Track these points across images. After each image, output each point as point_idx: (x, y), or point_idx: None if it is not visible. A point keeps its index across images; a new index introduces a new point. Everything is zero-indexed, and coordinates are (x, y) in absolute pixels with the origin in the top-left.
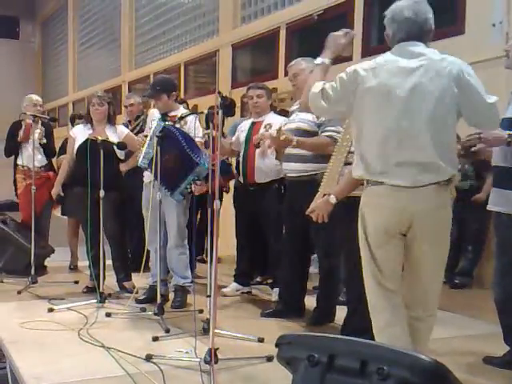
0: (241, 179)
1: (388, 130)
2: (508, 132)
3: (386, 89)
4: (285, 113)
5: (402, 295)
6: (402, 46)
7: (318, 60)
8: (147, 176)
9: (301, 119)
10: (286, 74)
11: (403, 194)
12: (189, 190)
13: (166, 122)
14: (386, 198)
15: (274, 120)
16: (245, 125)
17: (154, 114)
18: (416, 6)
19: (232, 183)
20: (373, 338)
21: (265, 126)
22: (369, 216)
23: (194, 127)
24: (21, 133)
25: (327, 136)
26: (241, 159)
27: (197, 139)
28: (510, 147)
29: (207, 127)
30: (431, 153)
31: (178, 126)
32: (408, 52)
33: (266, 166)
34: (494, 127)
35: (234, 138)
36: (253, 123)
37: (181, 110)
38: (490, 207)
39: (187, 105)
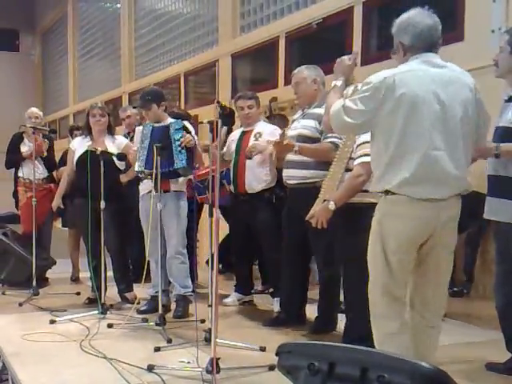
0: (232, 189)
1: (423, 142)
2: (494, 144)
3: (420, 98)
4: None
5: (418, 304)
6: (424, 56)
7: (332, 83)
8: (143, 188)
9: (304, 126)
10: (285, 83)
11: (436, 204)
12: (183, 148)
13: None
14: (417, 210)
15: (263, 129)
16: (235, 134)
17: (140, 131)
18: (432, 17)
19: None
20: (373, 346)
21: (255, 135)
22: (391, 226)
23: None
24: (25, 149)
25: (329, 142)
26: (231, 169)
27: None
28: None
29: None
30: (463, 165)
31: None
32: (431, 62)
33: (256, 176)
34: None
35: (225, 149)
36: (243, 132)
37: (169, 120)
38: (486, 216)
39: (189, 115)
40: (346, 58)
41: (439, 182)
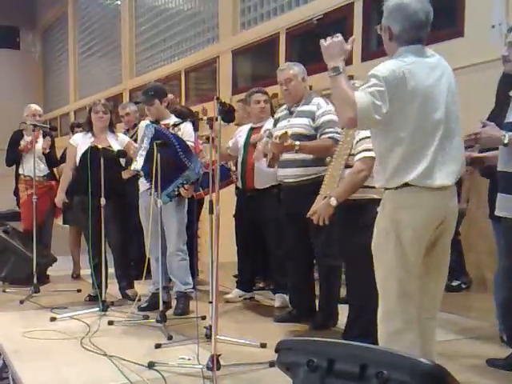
0: (239, 185)
1: (434, 132)
2: (503, 133)
3: (428, 89)
4: None
5: (419, 295)
6: (415, 48)
7: (340, 68)
8: (143, 184)
9: (297, 124)
10: None
11: (445, 192)
12: (176, 193)
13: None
14: (430, 199)
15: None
16: (243, 130)
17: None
18: (426, 7)
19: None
20: (375, 343)
21: (264, 132)
22: (407, 217)
23: (187, 132)
24: (22, 142)
25: (329, 137)
26: (239, 165)
27: (188, 143)
28: (509, 148)
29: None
30: (462, 151)
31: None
32: (425, 53)
33: (265, 172)
34: None
35: (231, 143)
36: (251, 128)
37: (173, 119)
38: (497, 213)
39: (191, 112)
40: (340, 40)
41: (450, 170)
